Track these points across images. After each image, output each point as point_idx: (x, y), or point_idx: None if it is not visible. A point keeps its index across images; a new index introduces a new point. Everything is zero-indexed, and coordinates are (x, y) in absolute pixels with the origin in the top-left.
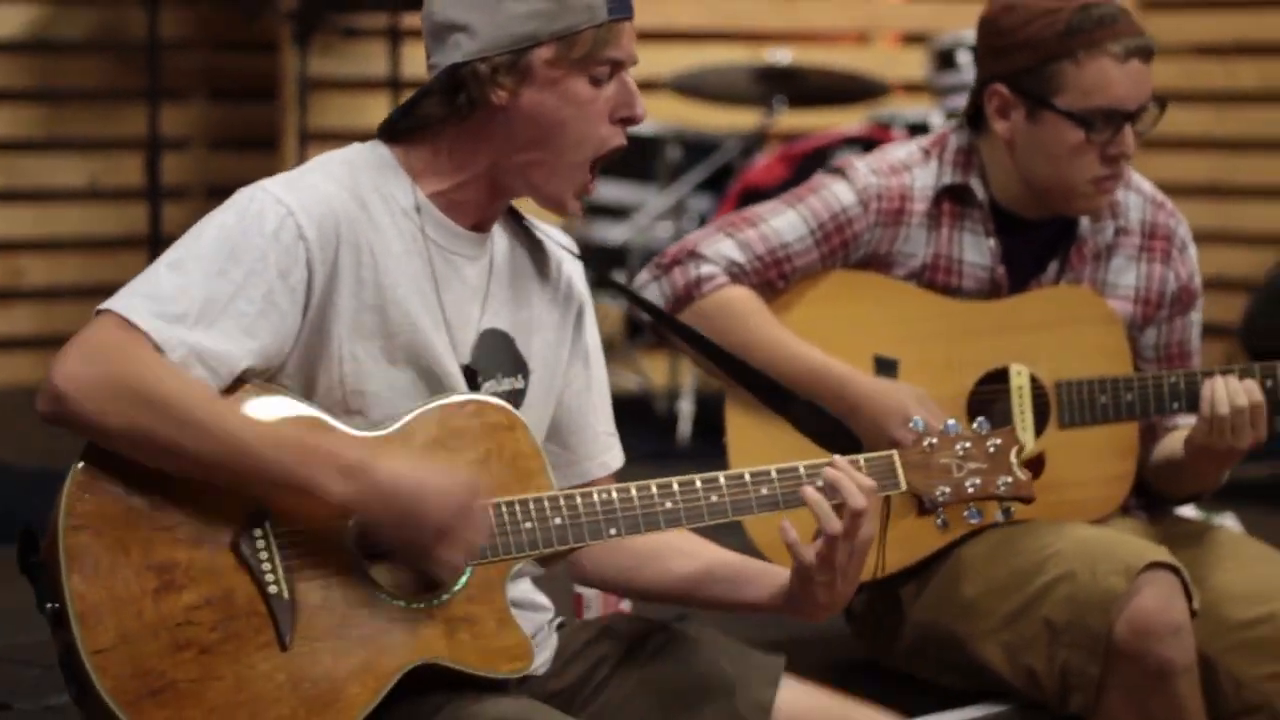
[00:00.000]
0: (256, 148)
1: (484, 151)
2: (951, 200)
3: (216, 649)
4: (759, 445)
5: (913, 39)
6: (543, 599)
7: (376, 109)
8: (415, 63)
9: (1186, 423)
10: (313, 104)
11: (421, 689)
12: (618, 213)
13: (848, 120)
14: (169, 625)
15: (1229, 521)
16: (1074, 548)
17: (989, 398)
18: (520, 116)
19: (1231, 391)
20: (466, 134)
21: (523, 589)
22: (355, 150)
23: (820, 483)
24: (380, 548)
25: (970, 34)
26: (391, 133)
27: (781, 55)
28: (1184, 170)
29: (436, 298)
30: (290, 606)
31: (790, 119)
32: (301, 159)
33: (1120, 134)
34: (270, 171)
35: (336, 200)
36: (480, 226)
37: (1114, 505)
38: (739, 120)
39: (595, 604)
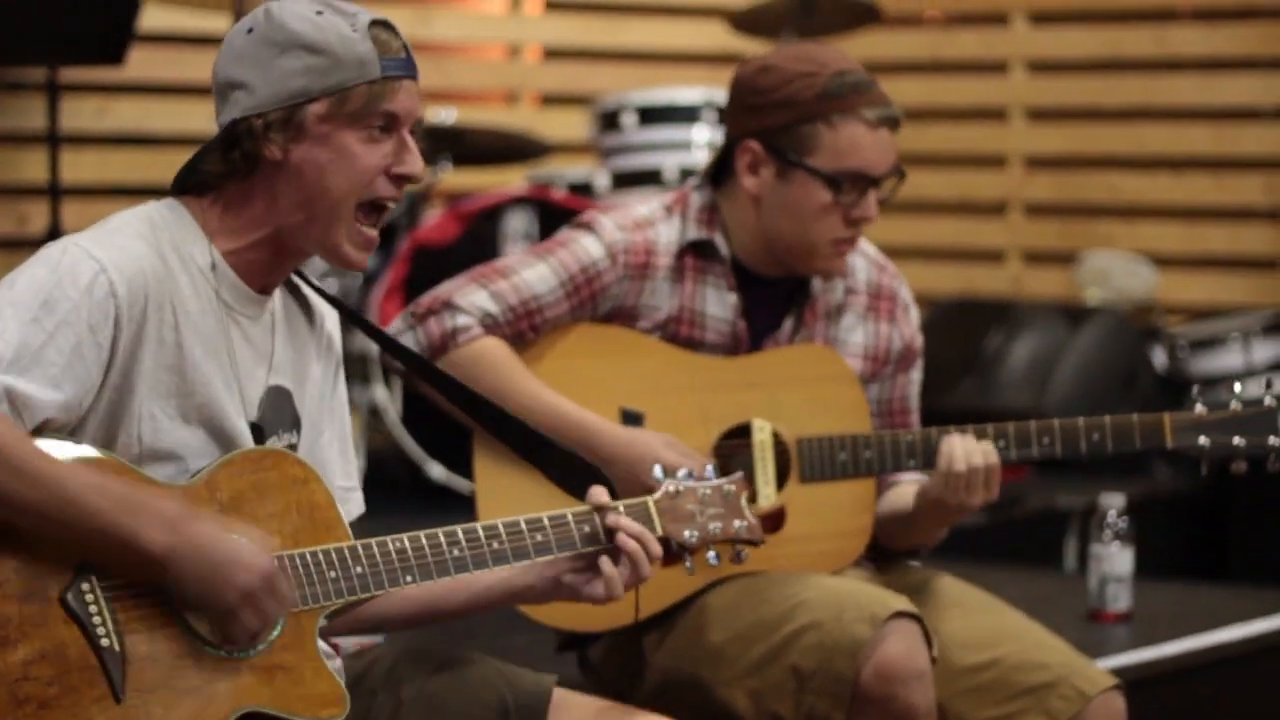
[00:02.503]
0: None
1: (267, 211)
2: (695, 255)
3: (54, 703)
4: (507, 494)
5: (555, 100)
6: (328, 646)
7: (34, 162)
8: (73, 116)
9: (910, 478)
10: None
11: None
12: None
13: (508, 179)
14: (8, 681)
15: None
16: (820, 596)
17: (732, 452)
18: (294, 172)
19: (968, 450)
20: (250, 192)
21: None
22: (154, 208)
23: (587, 528)
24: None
25: (634, 96)
26: (184, 189)
27: (446, 114)
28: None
29: (229, 358)
30: (120, 659)
31: (453, 178)
32: None
33: (865, 198)
34: None
35: (145, 259)
36: (266, 289)
37: (852, 557)
38: None
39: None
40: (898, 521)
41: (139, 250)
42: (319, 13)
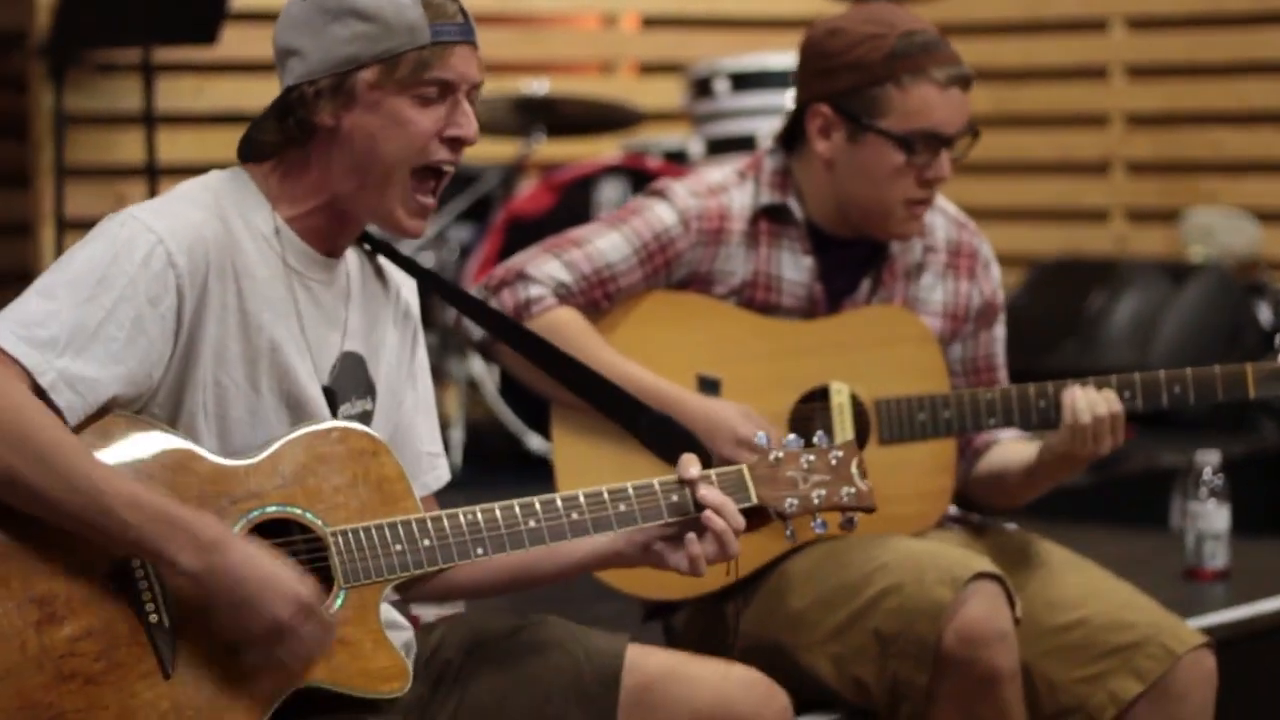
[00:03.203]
0: (9, 185)
1: (324, 178)
2: (769, 220)
3: (101, 679)
4: (586, 463)
5: (652, 68)
6: (400, 618)
7: (131, 144)
8: (168, 96)
9: (1009, 436)
10: (67, 140)
11: (302, 711)
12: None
13: (602, 149)
14: (53, 657)
15: (1010, 528)
16: (900, 560)
17: (810, 415)
18: (346, 139)
19: (1092, 401)
20: (307, 159)
21: (384, 610)
22: (216, 177)
23: (675, 497)
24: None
25: (726, 62)
26: (246, 156)
27: (539, 86)
28: None
29: (299, 323)
30: (171, 634)
31: (547, 149)
32: (57, 196)
33: (938, 158)
34: (25, 208)
35: (205, 227)
36: (333, 252)
37: (933, 519)
38: (497, 151)
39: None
40: (1010, 478)
41: (199, 218)
42: None
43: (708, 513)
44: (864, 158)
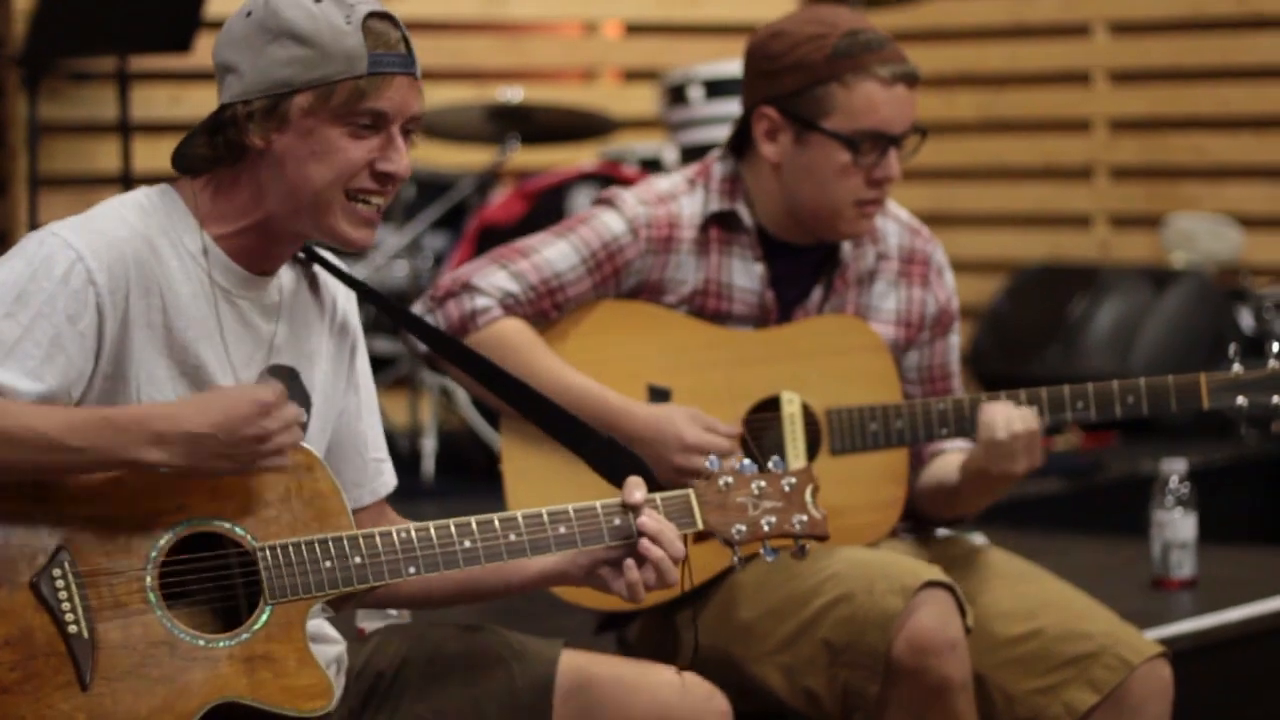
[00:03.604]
0: None
1: (255, 198)
2: (719, 227)
3: (16, 689)
4: (537, 477)
5: (634, 75)
6: (333, 632)
7: (107, 153)
8: (144, 105)
9: (954, 447)
10: (42, 149)
11: None
12: (353, 252)
13: (579, 157)
14: None
15: (978, 540)
16: (850, 569)
17: (761, 425)
18: (277, 162)
19: (1008, 418)
20: (238, 179)
21: (314, 623)
22: (145, 193)
23: (617, 521)
24: (179, 587)
25: (701, 69)
26: (179, 169)
27: (513, 94)
28: (905, 200)
29: (222, 342)
30: (90, 646)
31: (523, 156)
32: (32, 204)
33: (885, 157)
34: (1, 217)
35: (127, 245)
36: (265, 270)
37: (885, 530)
38: (472, 159)
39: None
40: (942, 491)
41: (121, 235)
42: (317, 1)
43: (644, 541)
44: (810, 159)
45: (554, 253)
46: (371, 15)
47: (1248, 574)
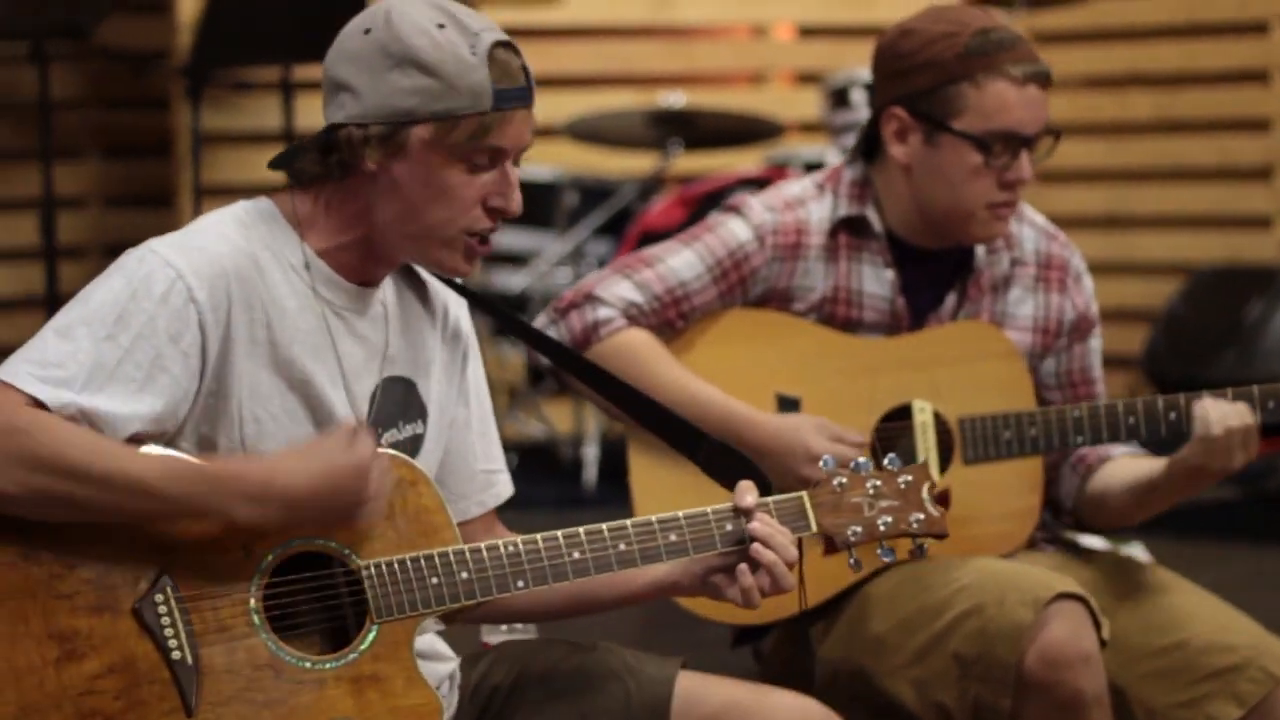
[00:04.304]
0: (151, 204)
1: (360, 216)
2: (848, 232)
3: (120, 717)
4: (664, 488)
5: (806, 78)
6: (445, 649)
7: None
8: (308, 115)
9: (1122, 452)
10: (206, 159)
11: None
12: (516, 260)
13: (743, 161)
14: (72, 695)
15: (1137, 551)
16: (981, 581)
17: (893, 435)
18: (390, 188)
19: (1224, 414)
20: (344, 196)
21: (425, 639)
22: (243, 207)
23: (729, 526)
24: (284, 609)
25: (864, 72)
26: (288, 179)
27: (675, 99)
28: (1080, 202)
29: (333, 354)
30: (194, 671)
31: (686, 162)
32: (197, 214)
33: (1018, 159)
34: (167, 228)
35: (228, 259)
36: (368, 283)
37: (1020, 540)
38: (635, 164)
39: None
40: (1128, 494)
41: (221, 251)
42: (440, 26)
43: (756, 545)
44: (941, 160)
45: (679, 261)
46: (496, 45)
47: None
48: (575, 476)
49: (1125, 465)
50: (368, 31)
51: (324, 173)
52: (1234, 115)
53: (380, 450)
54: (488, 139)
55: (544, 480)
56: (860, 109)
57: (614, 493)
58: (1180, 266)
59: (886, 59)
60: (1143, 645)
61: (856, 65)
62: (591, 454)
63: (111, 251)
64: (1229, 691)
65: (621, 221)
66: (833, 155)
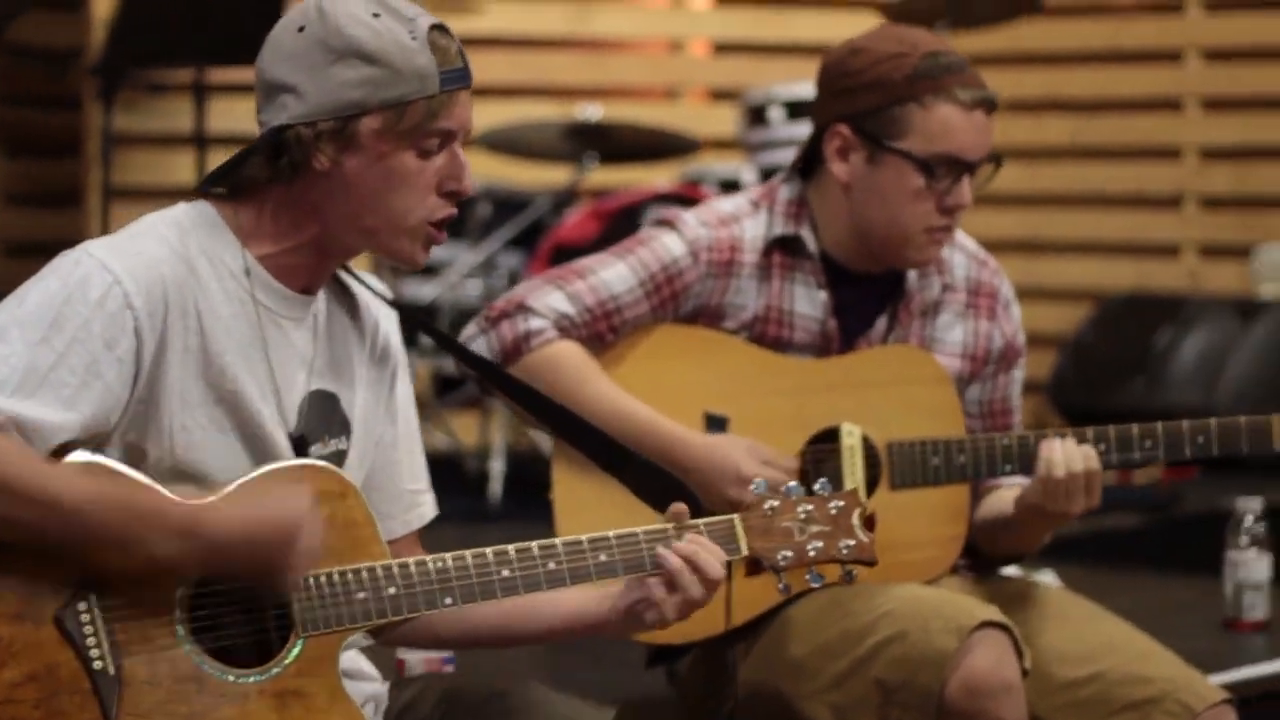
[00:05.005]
0: (59, 204)
1: (310, 217)
2: (782, 252)
3: None
4: (588, 505)
5: (721, 95)
6: (370, 668)
7: (181, 165)
8: (221, 117)
9: (1010, 482)
10: (117, 160)
11: None
12: (427, 269)
13: (658, 176)
14: None
15: (1048, 578)
16: (905, 608)
17: (820, 457)
18: (343, 185)
19: (1069, 456)
20: (292, 198)
21: (350, 657)
22: (183, 210)
23: (660, 548)
24: (209, 620)
25: (782, 90)
26: (217, 191)
27: (592, 111)
28: (994, 226)
29: (266, 364)
30: (116, 682)
31: (601, 175)
32: (105, 215)
33: (959, 184)
34: (73, 228)
35: (165, 265)
36: (309, 289)
37: (945, 566)
38: (549, 176)
39: (418, 667)
40: (996, 527)
41: (158, 255)
42: (375, 15)
43: (661, 552)
44: (883, 180)
45: (611, 274)
46: (432, 28)
47: None
48: (481, 490)
49: (999, 497)
50: (301, 29)
51: (272, 177)
52: (1147, 143)
53: (307, 462)
54: (437, 122)
55: (449, 494)
56: (777, 127)
57: (520, 508)
58: (1091, 293)
59: (833, 76)
60: (1060, 675)
61: (773, 82)
62: (498, 468)
63: (14, 251)
64: None
65: (534, 234)
66: (748, 172)
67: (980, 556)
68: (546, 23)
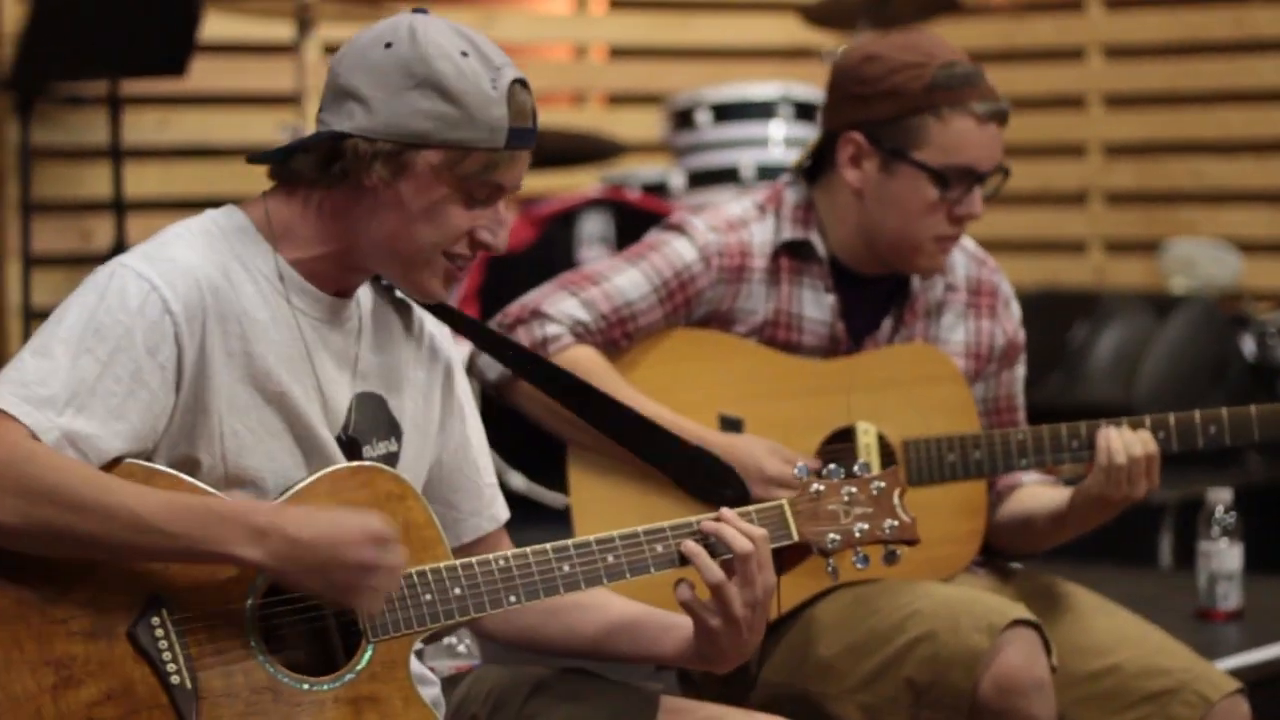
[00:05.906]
0: None
1: (344, 229)
2: (790, 256)
3: None
4: (605, 504)
5: (623, 99)
6: (429, 673)
7: (98, 178)
8: (136, 130)
9: (1033, 479)
10: (34, 174)
11: None
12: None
13: (578, 181)
14: None
15: None
16: (934, 607)
17: (836, 456)
18: (385, 206)
19: (1127, 442)
20: (332, 206)
21: (414, 663)
22: (212, 217)
23: (713, 539)
24: (278, 630)
25: (710, 92)
26: (276, 179)
27: None
28: None
29: (309, 366)
30: (193, 696)
31: (525, 181)
32: (25, 230)
33: (970, 195)
34: None
35: (200, 270)
36: (342, 293)
37: (963, 563)
38: None
39: (446, 671)
40: (1037, 523)
41: (193, 262)
42: (464, 54)
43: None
44: (896, 189)
45: (625, 280)
46: (515, 83)
47: None
48: None
49: (1034, 494)
50: (389, 45)
51: (319, 179)
52: (1051, 140)
53: (367, 464)
54: (493, 175)
55: None
56: (706, 129)
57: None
58: None
59: (848, 82)
60: (1077, 669)
61: (672, 86)
62: None
63: None
64: (1163, 715)
65: None
66: (677, 176)
67: (987, 552)
68: None
